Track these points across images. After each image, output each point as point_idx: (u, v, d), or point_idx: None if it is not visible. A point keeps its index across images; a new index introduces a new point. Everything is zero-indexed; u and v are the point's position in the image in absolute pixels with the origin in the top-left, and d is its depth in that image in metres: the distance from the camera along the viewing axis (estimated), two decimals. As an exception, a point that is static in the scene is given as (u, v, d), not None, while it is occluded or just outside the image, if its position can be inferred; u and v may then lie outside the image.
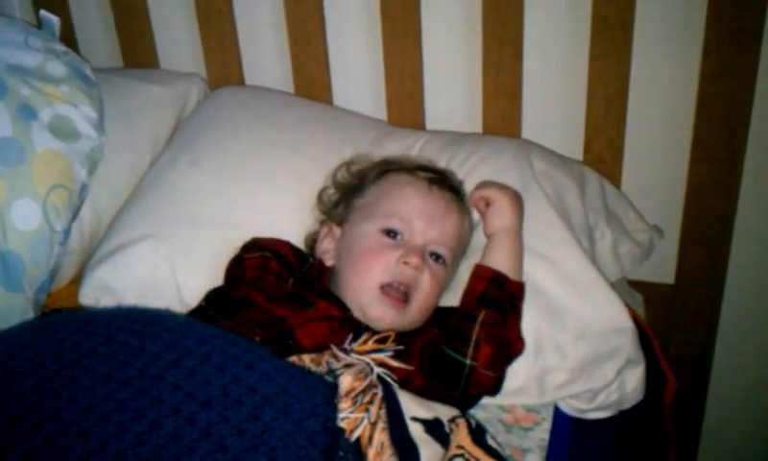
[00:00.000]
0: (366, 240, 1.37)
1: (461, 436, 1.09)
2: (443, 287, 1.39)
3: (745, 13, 1.50)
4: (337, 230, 1.44)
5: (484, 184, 1.45)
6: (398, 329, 1.29)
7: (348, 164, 1.55)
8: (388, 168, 1.48)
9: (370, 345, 1.19)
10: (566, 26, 1.64)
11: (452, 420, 1.11)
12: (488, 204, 1.40)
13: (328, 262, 1.42)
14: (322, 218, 1.51)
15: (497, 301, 1.30)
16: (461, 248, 1.43)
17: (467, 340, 1.26)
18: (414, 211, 1.38)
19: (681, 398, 1.58)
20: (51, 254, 1.49)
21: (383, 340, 1.22)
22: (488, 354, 1.26)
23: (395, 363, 1.17)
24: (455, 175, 1.53)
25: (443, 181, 1.45)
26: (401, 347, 1.22)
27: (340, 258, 1.41)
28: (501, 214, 1.38)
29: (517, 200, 1.42)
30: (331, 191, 1.54)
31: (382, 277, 1.32)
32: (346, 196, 1.49)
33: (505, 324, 1.29)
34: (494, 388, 1.30)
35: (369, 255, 1.35)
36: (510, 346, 1.30)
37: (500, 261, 1.34)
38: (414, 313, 1.34)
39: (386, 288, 1.32)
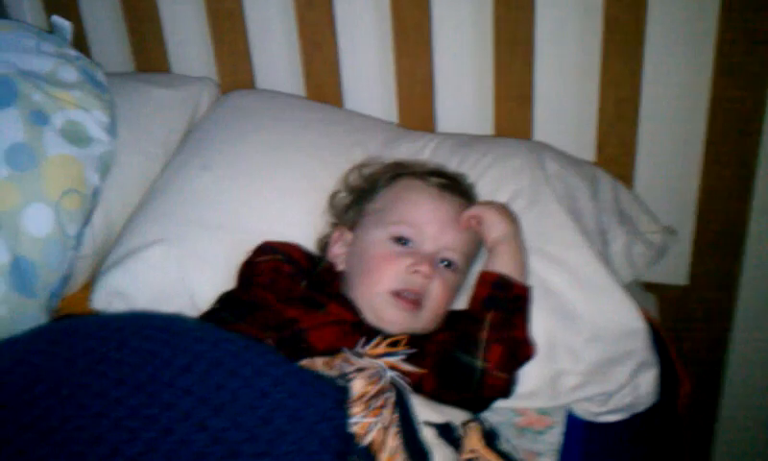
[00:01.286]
0: (376, 247, 1.37)
1: (473, 440, 1.09)
2: (454, 293, 1.39)
3: (758, 13, 1.49)
4: (348, 235, 1.44)
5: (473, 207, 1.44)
6: (411, 333, 1.29)
7: (359, 167, 1.55)
8: (399, 172, 1.48)
9: (382, 348, 1.19)
10: (578, 27, 1.63)
11: (464, 424, 1.11)
12: (479, 222, 1.40)
13: (340, 266, 1.42)
14: (333, 221, 1.51)
15: (503, 302, 1.30)
16: (473, 252, 1.43)
17: (476, 342, 1.26)
18: (424, 218, 1.38)
19: (694, 399, 1.57)
20: (64, 259, 1.49)
21: (395, 344, 1.22)
22: (498, 355, 1.26)
23: (407, 367, 1.17)
24: (467, 178, 1.52)
25: (454, 187, 1.45)
26: (414, 350, 1.21)
27: (351, 264, 1.41)
28: (494, 226, 1.37)
29: (506, 210, 1.42)
30: (343, 195, 1.54)
31: (392, 284, 1.33)
32: (357, 200, 1.49)
33: (512, 324, 1.29)
34: (507, 390, 1.29)
35: (379, 263, 1.35)
36: (520, 347, 1.30)
37: (502, 267, 1.34)
38: (426, 318, 1.33)
39: (397, 294, 1.32)
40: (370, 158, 1.58)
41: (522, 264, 1.36)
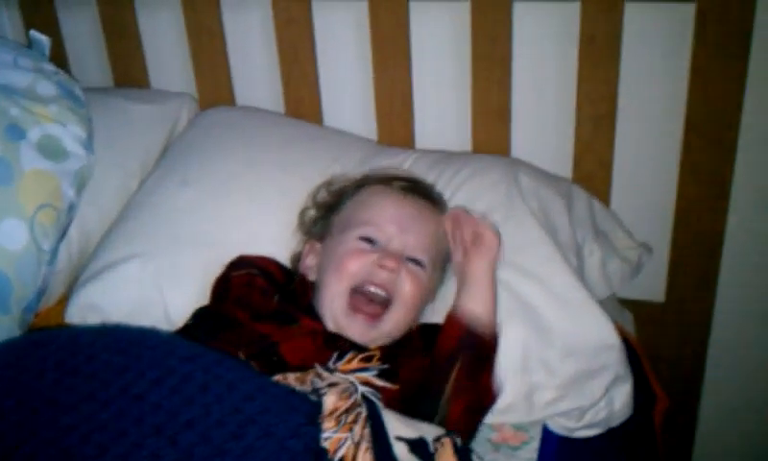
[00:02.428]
0: (344, 247, 1.37)
1: (446, 456, 1.09)
2: (425, 292, 1.38)
3: (731, 31, 1.50)
4: (318, 246, 1.45)
5: (469, 218, 1.42)
6: (375, 343, 1.28)
7: (327, 185, 1.55)
8: (365, 182, 1.49)
9: (354, 364, 1.19)
10: (555, 45, 1.64)
11: (437, 439, 1.11)
12: (479, 240, 1.37)
13: (311, 277, 1.43)
14: (304, 237, 1.51)
15: (471, 353, 1.28)
16: (440, 253, 1.42)
17: (439, 394, 1.24)
18: (389, 218, 1.38)
19: (672, 415, 1.58)
20: (38, 273, 1.49)
21: (368, 359, 1.22)
22: (461, 410, 1.24)
23: (379, 382, 1.17)
24: (433, 187, 1.53)
25: (416, 188, 1.46)
26: (386, 365, 1.21)
27: (321, 270, 1.40)
28: (489, 253, 1.36)
29: (499, 236, 1.39)
30: (312, 211, 1.54)
31: (356, 278, 1.33)
32: (325, 214, 1.49)
33: (478, 376, 1.27)
34: (469, 435, 1.27)
35: (346, 258, 1.35)
36: (483, 397, 1.28)
37: (479, 305, 1.32)
38: (392, 321, 1.33)
39: (358, 296, 1.32)
40: (336, 176, 1.58)
41: (496, 301, 1.34)
